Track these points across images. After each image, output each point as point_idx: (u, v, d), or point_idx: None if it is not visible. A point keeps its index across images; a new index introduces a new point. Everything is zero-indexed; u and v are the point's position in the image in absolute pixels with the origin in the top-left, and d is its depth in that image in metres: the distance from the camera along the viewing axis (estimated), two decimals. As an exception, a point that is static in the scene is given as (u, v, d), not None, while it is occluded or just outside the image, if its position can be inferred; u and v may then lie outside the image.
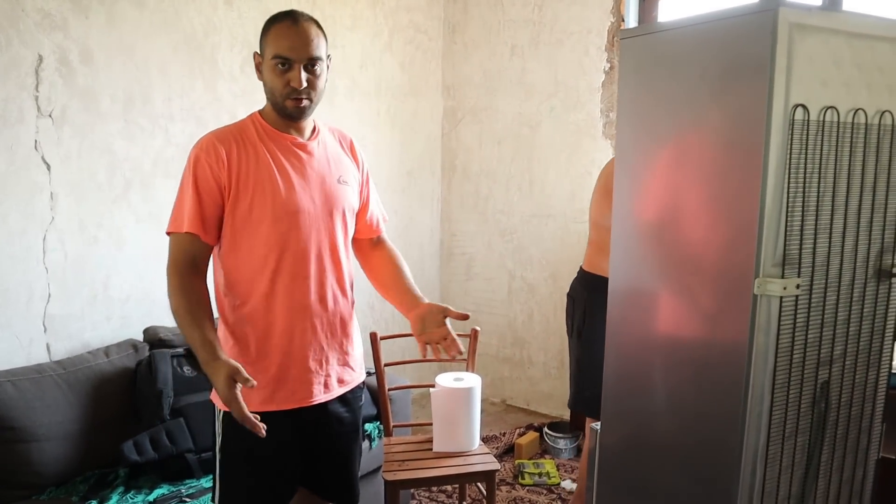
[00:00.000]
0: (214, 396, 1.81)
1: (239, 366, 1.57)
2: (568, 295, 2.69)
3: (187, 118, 3.06)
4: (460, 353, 1.84)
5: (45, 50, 2.58)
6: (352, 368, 1.93)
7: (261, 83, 1.78)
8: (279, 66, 1.70)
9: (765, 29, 1.26)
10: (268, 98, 1.77)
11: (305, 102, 1.73)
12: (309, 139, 1.83)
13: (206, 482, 2.42)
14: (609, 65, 3.82)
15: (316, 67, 1.73)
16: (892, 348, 1.53)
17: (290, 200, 1.75)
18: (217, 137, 1.74)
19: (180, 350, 2.72)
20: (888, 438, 1.62)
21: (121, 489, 2.35)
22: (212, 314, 1.72)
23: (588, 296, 2.54)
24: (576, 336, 2.59)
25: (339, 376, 1.88)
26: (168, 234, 1.75)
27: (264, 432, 1.57)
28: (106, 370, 2.55)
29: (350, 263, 1.93)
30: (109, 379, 2.54)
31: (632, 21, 3.79)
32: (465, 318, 1.83)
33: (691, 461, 1.51)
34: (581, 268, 2.65)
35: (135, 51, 2.85)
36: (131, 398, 2.58)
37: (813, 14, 1.29)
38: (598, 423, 1.76)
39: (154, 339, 2.78)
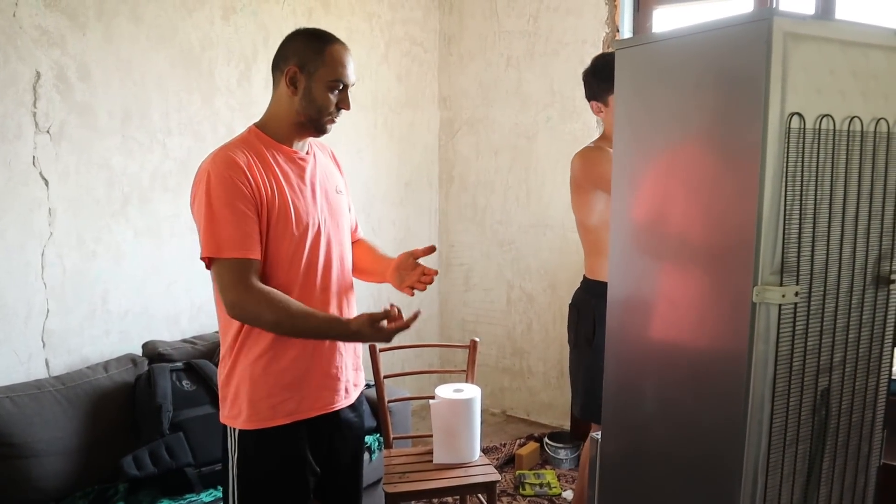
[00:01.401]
0: (230, 418, 1.79)
1: (368, 314, 1.69)
2: (571, 305, 2.63)
3: (185, 132, 3.06)
4: (434, 273, 1.96)
5: (43, 66, 2.59)
6: (361, 371, 1.98)
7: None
8: (337, 88, 1.77)
9: (759, 38, 1.26)
10: (301, 112, 1.76)
11: (336, 121, 1.83)
12: (307, 152, 1.86)
13: (206, 496, 2.41)
14: (605, 75, 3.83)
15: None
16: (892, 354, 1.54)
17: (307, 214, 1.77)
18: (233, 153, 1.70)
19: (179, 364, 2.72)
20: (889, 445, 1.62)
21: (121, 504, 2.34)
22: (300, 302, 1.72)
23: (596, 303, 2.45)
24: (584, 344, 2.52)
25: (354, 381, 1.93)
26: (207, 258, 1.67)
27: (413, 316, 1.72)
28: (105, 385, 2.55)
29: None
30: (108, 394, 2.54)
31: (626, 32, 3.81)
32: (431, 250, 1.97)
33: (692, 470, 1.50)
34: (584, 276, 2.61)
35: (132, 66, 2.86)
36: (130, 413, 2.57)
37: (807, 23, 1.30)
38: (599, 432, 1.76)
39: (153, 353, 2.78)
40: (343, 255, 1.89)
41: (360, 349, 1.96)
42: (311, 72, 1.74)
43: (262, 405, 1.76)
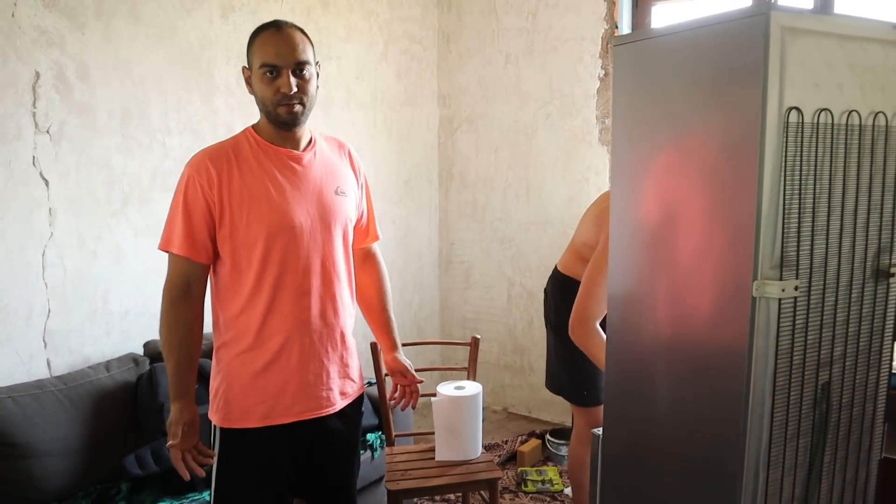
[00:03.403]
0: (212, 413, 1.83)
1: (198, 425, 1.76)
2: (544, 290, 2.82)
3: (184, 132, 3.06)
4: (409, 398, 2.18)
5: (42, 66, 2.59)
6: (353, 380, 1.93)
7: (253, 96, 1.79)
8: (267, 74, 1.70)
9: (757, 33, 1.26)
10: (260, 109, 1.77)
11: (298, 108, 1.73)
12: (304, 150, 1.82)
13: (207, 495, 2.41)
14: (604, 71, 3.84)
15: (304, 72, 1.72)
16: (892, 348, 1.54)
17: (285, 216, 1.74)
18: (209, 156, 1.73)
19: (181, 363, 2.72)
20: (890, 439, 1.62)
21: (123, 503, 2.34)
22: (198, 347, 1.79)
23: (560, 294, 2.65)
24: (550, 328, 2.74)
25: (340, 389, 1.88)
26: (160, 249, 1.79)
27: (189, 476, 1.76)
28: (107, 385, 2.55)
29: (352, 274, 1.92)
30: (110, 393, 2.54)
31: (625, 28, 3.81)
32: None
33: (694, 465, 1.51)
34: (556, 267, 2.76)
35: (131, 66, 2.86)
36: (132, 412, 2.58)
37: (805, 17, 1.29)
38: (600, 428, 1.76)
39: (154, 352, 2.78)
40: (332, 259, 1.82)
41: (351, 357, 1.93)
42: (252, 66, 1.74)
43: (235, 405, 1.78)
